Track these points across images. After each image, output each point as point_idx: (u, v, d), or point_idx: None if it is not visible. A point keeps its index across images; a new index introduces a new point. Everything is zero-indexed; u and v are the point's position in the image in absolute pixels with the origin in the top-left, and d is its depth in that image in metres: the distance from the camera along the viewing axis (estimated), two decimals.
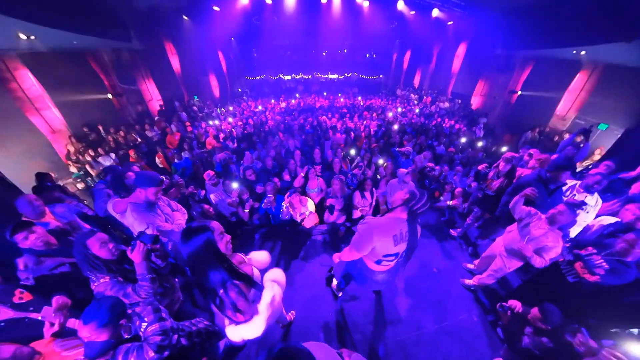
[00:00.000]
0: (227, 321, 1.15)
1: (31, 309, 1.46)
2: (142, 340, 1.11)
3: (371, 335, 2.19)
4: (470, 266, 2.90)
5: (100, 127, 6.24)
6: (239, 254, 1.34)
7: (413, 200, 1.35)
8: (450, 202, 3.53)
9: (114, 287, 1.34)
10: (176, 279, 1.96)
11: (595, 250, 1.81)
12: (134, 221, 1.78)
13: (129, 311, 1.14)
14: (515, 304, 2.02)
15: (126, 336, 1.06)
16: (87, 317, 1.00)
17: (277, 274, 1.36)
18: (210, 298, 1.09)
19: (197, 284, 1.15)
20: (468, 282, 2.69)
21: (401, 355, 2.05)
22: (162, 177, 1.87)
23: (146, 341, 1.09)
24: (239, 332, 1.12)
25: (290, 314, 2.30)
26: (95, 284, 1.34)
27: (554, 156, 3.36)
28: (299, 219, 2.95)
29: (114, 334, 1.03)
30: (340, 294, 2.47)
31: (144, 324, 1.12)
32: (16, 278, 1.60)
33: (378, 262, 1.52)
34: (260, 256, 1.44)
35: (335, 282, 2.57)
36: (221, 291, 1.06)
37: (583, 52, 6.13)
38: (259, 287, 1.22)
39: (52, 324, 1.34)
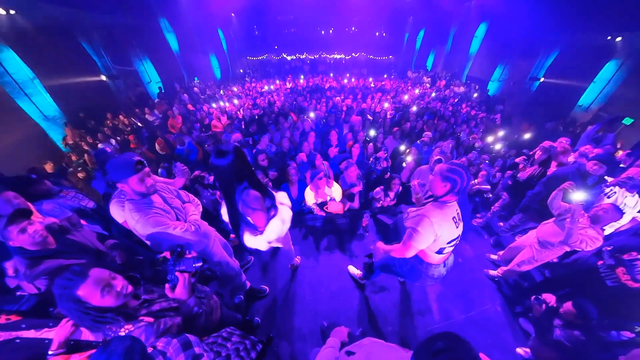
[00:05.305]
0: (246, 233, 1.50)
1: (23, 326, 1.18)
2: None
3: (401, 326, 2.19)
4: (494, 257, 2.87)
5: (110, 118, 5.77)
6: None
7: (457, 187, 1.30)
8: (475, 181, 3.45)
9: (149, 336, 0.97)
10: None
11: (639, 256, 1.74)
12: (136, 224, 1.33)
13: (150, 350, 0.86)
14: (550, 298, 2.02)
15: None
16: None
17: (284, 199, 1.65)
18: (235, 212, 1.41)
19: (226, 199, 1.41)
20: (492, 272, 2.67)
21: None
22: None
23: None
24: (252, 241, 1.51)
25: (297, 258, 2.68)
26: None
27: (583, 148, 3.20)
28: (320, 201, 2.82)
29: None
30: (363, 282, 2.44)
31: None
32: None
33: (440, 251, 1.44)
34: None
35: (357, 271, 2.54)
36: (243, 196, 1.36)
37: (619, 39, 5.68)
38: (273, 198, 1.57)
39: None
